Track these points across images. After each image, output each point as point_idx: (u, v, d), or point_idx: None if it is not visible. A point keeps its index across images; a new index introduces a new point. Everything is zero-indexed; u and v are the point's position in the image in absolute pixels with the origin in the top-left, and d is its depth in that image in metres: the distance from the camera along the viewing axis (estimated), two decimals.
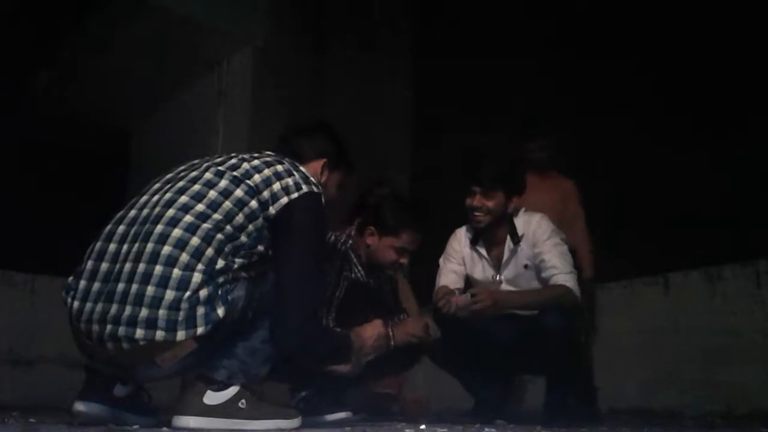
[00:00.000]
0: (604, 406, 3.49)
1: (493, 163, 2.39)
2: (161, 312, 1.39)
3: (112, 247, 1.51)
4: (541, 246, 2.36)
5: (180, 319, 1.39)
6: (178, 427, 1.47)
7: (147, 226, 1.49)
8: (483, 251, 2.49)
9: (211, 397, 1.48)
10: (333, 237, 2.36)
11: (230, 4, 4.71)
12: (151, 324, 1.39)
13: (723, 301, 3.26)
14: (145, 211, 1.54)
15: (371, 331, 1.94)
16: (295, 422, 1.61)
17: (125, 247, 1.49)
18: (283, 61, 4.89)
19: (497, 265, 2.48)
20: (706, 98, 3.57)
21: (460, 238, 2.56)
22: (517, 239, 2.40)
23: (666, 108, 3.79)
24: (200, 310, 1.40)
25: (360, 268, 2.37)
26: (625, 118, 3.91)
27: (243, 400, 1.50)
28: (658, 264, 3.57)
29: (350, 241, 2.37)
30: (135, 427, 1.55)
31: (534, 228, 2.40)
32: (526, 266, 2.42)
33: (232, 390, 1.50)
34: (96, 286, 1.47)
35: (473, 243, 2.51)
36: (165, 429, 1.48)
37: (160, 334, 1.39)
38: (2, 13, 4.57)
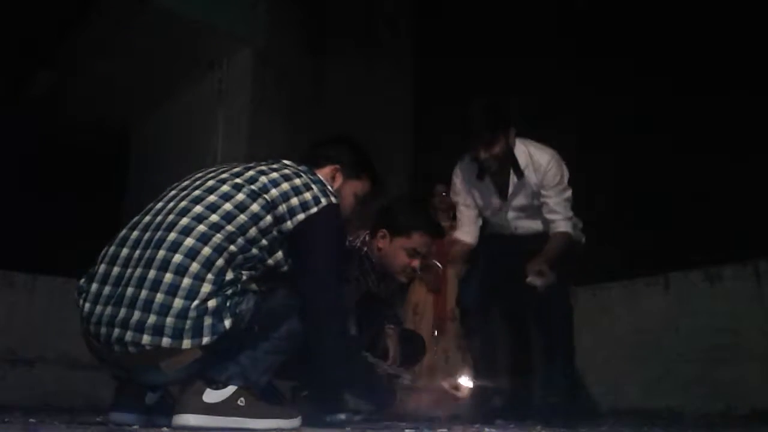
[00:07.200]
0: (604, 406, 3.50)
1: (483, 113, 2.43)
2: (169, 319, 1.41)
3: (125, 252, 1.53)
4: (549, 190, 2.54)
5: (187, 327, 1.41)
6: (179, 426, 1.47)
7: (160, 233, 1.51)
8: (490, 183, 2.63)
9: (211, 396, 1.49)
10: (348, 242, 2.33)
11: (230, 4, 4.71)
12: (158, 330, 1.40)
13: (723, 301, 3.26)
14: (159, 218, 1.55)
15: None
16: (295, 422, 1.61)
17: (137, 252, 1.51)
18: (283, 61, 4.89)
19: (504, 195, 2.64)
20: (707, 98, 3.57)
21: (462, 173, 2.70)
22: (520, 173, 2.53)
23: (667, 108, 3.79)
24: (207, 320, 1.42)
25: (373, 276, 2.35)
26: (625, 118, 3.91)
27: (242, 398, 1.51)
28: (658, 264, 3.57)
29: (365, 248, 2.35)
30: (135, 427, 1.55)
31: (545, 167, 2.53)
32: (532, 194, 2.57)
33: (231, 388, 1.51)
34: (107, 289, 1.49)
35: (479, 178, 2.63)
36: (165, 429, 1.48)
37: (166, 341, 1.40)
38: (2, 13, 4.57)
